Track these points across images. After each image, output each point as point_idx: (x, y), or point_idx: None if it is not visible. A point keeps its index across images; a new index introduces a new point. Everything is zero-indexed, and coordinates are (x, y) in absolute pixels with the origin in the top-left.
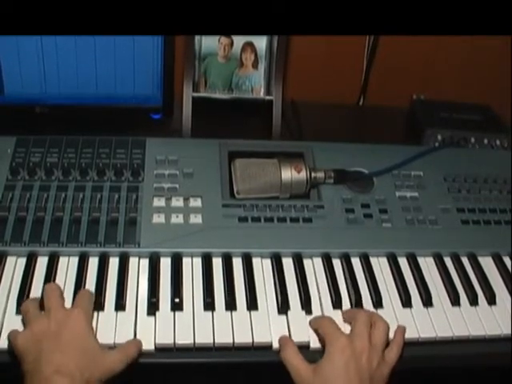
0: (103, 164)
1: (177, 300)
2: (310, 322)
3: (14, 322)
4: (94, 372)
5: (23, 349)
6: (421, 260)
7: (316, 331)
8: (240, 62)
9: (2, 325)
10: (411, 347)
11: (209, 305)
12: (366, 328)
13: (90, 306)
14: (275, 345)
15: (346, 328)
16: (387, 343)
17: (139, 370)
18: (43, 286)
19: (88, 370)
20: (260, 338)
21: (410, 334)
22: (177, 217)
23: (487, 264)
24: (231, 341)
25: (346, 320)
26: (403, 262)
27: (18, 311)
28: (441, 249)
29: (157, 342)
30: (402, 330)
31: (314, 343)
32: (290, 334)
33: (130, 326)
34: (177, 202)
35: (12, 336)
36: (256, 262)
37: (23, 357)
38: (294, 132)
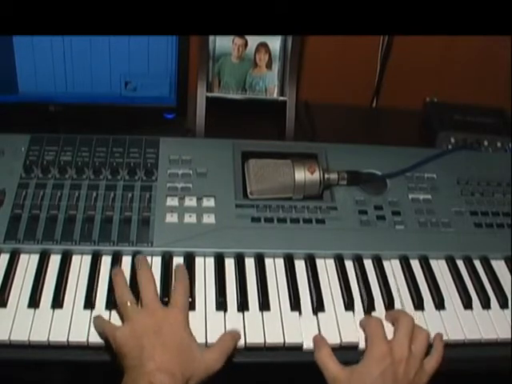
0: (117, 163)
1: (189, 300)
2: (360, 321)
3: (25, 318)
4: (194, 372)
5: (123, 344)
6: (433, 263)
7: (364, 330)
8: (254, 62)
9: (14, 321)
10: None
11: (221, 305)
12: (408, 335)
13: (186, 304)
14: (287, 345)
15: (388, 328)
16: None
17: None
18: (138, 279)
19: (189, 369)
20: (272, 338)
21: None
22: (190, 216)
23: (500, 267)
24: (243, 341)
25: (388, 320)
26: (416, 265)
27: (30, 307)
28: (453, 251)
29: None
30: (441, 337)
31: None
32: (302, 336)
33: None
34: (190, 201)
35: (110, 330)
36: (269, 262)
37: (124, 352)
38: (307, 133)
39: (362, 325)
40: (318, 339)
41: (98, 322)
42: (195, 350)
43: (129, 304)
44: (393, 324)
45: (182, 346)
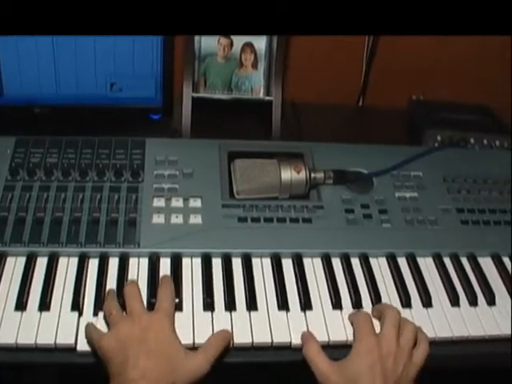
0: (103, 164)
1: (176, 300)
2: (349, 316)
3: (12, 321)
4: (179, 378)
5: (109, 351)
6: (420, 260)
7: (352, 325)
8: (240, 62)
9: (1, 324)
10: None
11: (208, 305)
12: (395, 329)
13: (172, 308)
14: (275, 344)
15: (375, 323)
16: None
17: None
18: (123, 287)
19: (173, 375)
20: (260, 338)
21: None
22: (176, 217)
23: (487, 264)
24: (231, 341)
25: (375, 315)
26: (403, 263)
27: (17, 310)
28: (440, 249)
29: None
30: (420, 329)
31: None
32: (289, 335)
33: None
34: (176, 202)
35: (96, 337)
36: (256, 262)
37: (109, 359)
38: (293, 132)
39: (350, 319)
40: (307, 335)
41: (87, 329)
42: (180, 355)
43: (114, 312)
44: (379, 318)
45: (167, 352)
